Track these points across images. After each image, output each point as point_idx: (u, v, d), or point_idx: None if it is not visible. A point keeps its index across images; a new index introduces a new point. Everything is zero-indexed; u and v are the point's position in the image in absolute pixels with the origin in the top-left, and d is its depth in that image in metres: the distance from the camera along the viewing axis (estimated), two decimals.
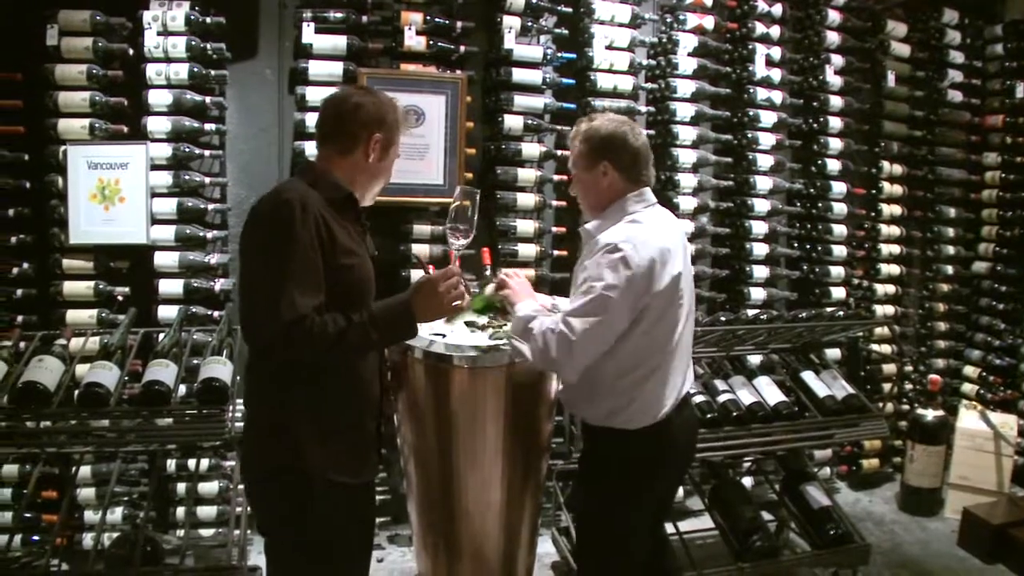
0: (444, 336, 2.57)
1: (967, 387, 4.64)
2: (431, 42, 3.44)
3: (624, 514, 2.27)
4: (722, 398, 3.19)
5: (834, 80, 4.09)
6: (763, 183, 4.03)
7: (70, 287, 3.23)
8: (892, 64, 4.28)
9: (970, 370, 4.65)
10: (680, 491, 3.87)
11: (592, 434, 2.32)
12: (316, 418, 1.87)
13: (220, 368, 2.58)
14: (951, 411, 4.32)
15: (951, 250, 4.60)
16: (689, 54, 3.83)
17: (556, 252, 3.77)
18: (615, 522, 2.28)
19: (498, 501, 2.68)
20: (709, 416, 3.08)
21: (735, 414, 3.13)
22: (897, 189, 4.36)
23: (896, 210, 4.37)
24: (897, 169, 4.35)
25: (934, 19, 4.34)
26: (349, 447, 1.95)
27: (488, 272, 2.89)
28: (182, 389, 2.69)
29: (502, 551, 2.77)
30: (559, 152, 3.70)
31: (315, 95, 3.28)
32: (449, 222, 2.24)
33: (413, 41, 3.40)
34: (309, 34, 3.27)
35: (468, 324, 2.69)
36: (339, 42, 3.30)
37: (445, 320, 2.55)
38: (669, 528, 3.49)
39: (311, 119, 3.29)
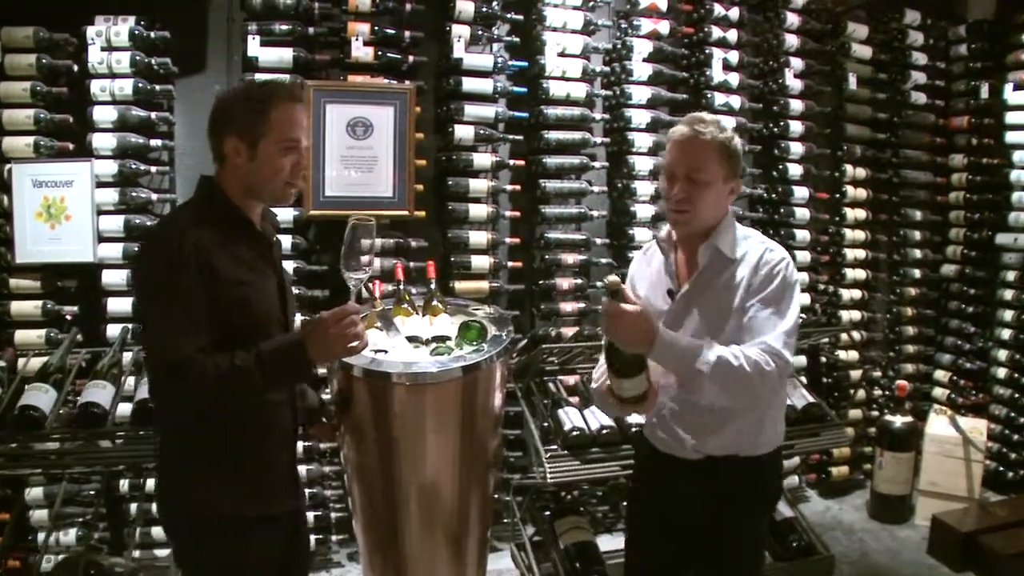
0: (386, 352, 2.54)
1: (938, 391, 4.60)
2: (379, 52, 3.41)
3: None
4: None
5: (794, 84, 4.06)
6: None
7: (17, 307, 3.19)
8: (853, 66, 4.24)
9: (940, 374, 4.61)
10: None
11: (718, 465, 2.05)
12: (214, 454, 1.80)
13: None
14: (921, 416, 4.28)
15: (918, 253, 4.56)
16: (644, 59, 3.80)
17: (511, 263, 3.74)
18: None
19: (443, 516, 2.64)
20: None
21: None
22: (861, 193, 4.32)
23: (860, 214, 4.33)
24: (861, 172, 4.31)
25: (896, 20, 4.30)
26: (253, 481, 1.85)
27: (432, 286, 2.85)
28: (127, 408, 2.67)
29: (450, 567, 2.73)
30: (512, 162, 3.68)
31: None
32: (343, 257, 1.94)
33: (360, 52, 3.37)
34: (255, 47, 3.24)
35: (410, 339, 2.66)
36: (285, 55, 3.28)
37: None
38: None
39: None
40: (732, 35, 3.93)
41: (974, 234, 4.48)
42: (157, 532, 3.30)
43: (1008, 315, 4.30)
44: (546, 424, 3.07)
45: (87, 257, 3.21)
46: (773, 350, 1.86)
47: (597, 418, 3.01)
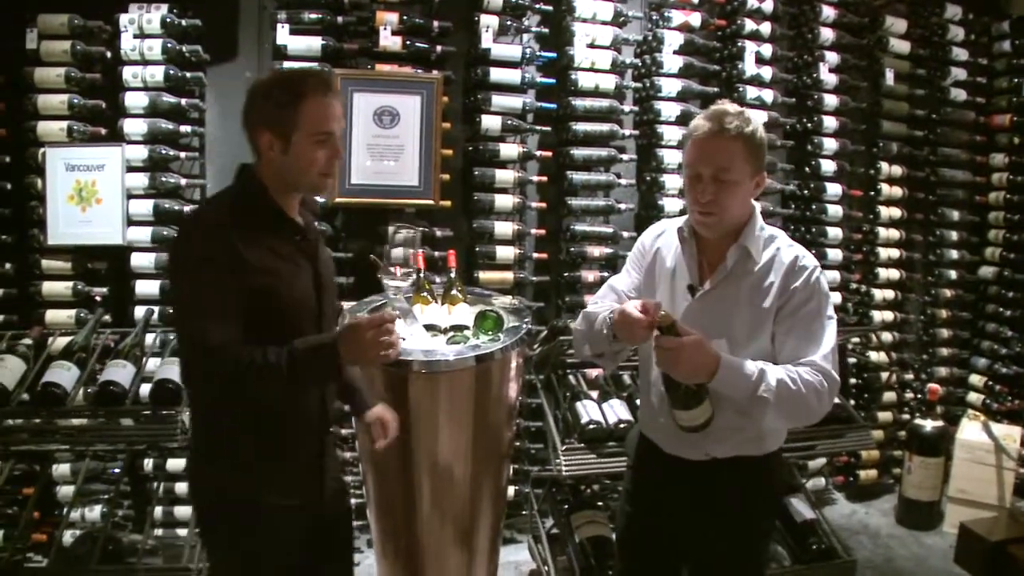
0: (403, 340, 2.54)
1: (972, 396, 4.48)
2: (407, 42, 3.41)
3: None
4: None
5: (829, 78, 3.97)
6: None
7: (49, 287, 3.27)
8: (891, 61, 4.14)
9: (976, 379, 4.49)
10: None
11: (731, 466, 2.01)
12: (237, 439, 1.82)
13: (175, 370, 2.58)
14: (954, 421, 4.18)
15: (955, 254, 4.43)
16: (675, 52, 3.75)
17: (536, 255, 3.72)
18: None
19: (456, 505, 2.64)
20: None
21: None
22: (896, 191, 4.22)
23: (896, 212, 4.23)
24: (897, 170, 4.21)
25: (936, 15, 4.19)
26: (272, 469, 1.86)
27: (452, 275, 2.85)
28: (146, 389, 2.72)
29: (461, 556, 2.73)
30: (539, 153, 3.66)
31: None
32: (385, 263, 1.97)
33: (388, 41, 3.38)
34: (284, 35, 3.27)
35: (428, 328, 2.66)
36: (314, 43, 3.30)
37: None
38: None
39: None
40: (766, 28, 3.86)
41: (1014, 236, 4.35)
42: (180, 511, 3.36)
43: None
44: (565, 416, 3.05)
45: (117, 240, 3.27)
46: (824, 370, 1.83)
47: (615, 412, 2.98)
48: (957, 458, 3.95)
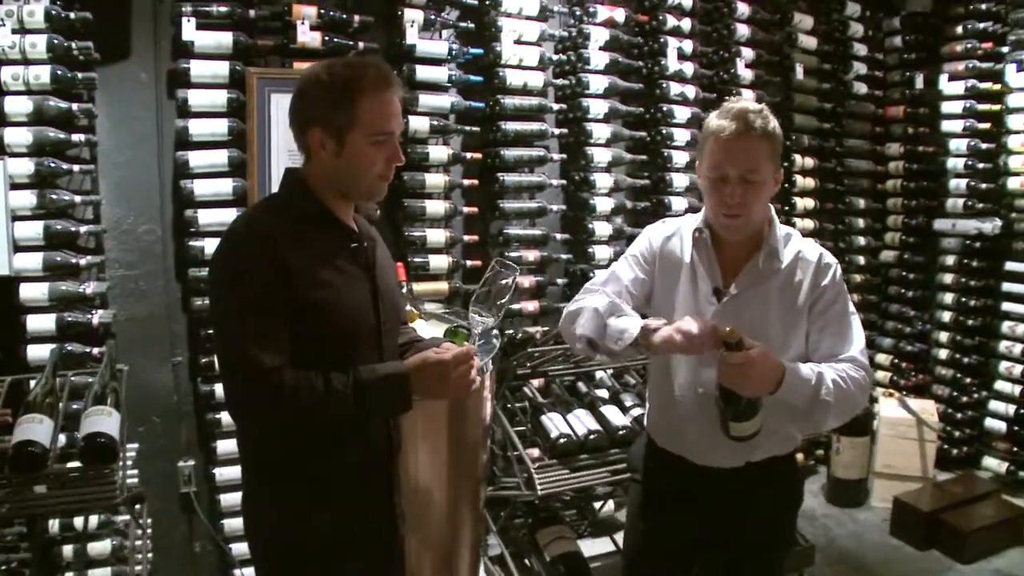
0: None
1: (880, 375, 4.70)
2: (327, 38, 3.14)
3: None
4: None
5: (745, 73, 4.03)
6: (679, 180, 3.93)
7: None
8: (800, 57, 4.26)
9: (882, 358, 4.71)
10: (611, 504, 3.74)
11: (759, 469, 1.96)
12: (293, 474, 1.61)
13: (105, 420, 2.19)
14: (870, 400, 4.35)
15: (862, 241, 4.64)
16: (600, 48, 3.68)
17: (469, 263, 3.54)
18: None
19: (435, 527, 2.47)
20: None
21: None
22: (809, 182, 4.35)
23: (809, 203, 4.36)
24: (809, 162, 4.34)
25: (837, 11, 4.35)
26: (334, 506, 1.64)
27: (404, 290, 2.64)
28: (62, 439, 2.34)
29: None
30: (469, 155, 3.48)
31: (198, 99, 2.94)
32: (479, 297, 1.69)
33: (307, 37, 3.09)
34: (190, 31, 2.91)
35: None
36: (224, 39, 2.96)
37: None
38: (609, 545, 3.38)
39: (195, 127, 2.95)
40: (686, 24, 3.86)
41: (912, 220, 4.59)
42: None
43: (948, 298, 4.43)
44: (529, 432, 2.90)
45: (2, 269, 2.81)
46: (864, 365, 1.83)
47: (583, 422, 2.87)
48: (882, 435, 4.12)
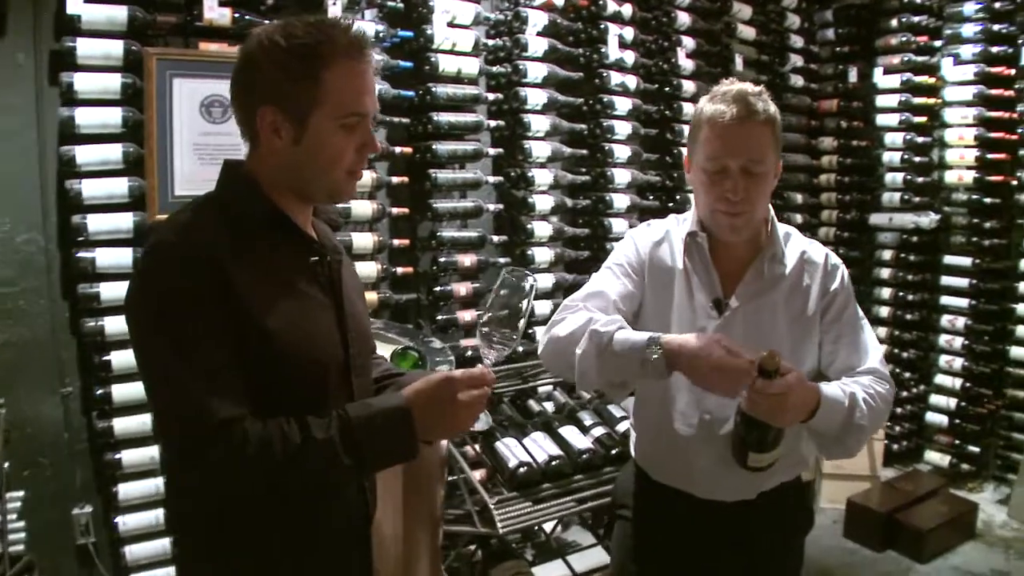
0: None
1: None
2: (237, 15, 2.74)
3: None
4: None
5: (686, 64, 3.85)
6: (621, 176, 3.71)
7: None
8: (739, 47, 4.12)
9: None
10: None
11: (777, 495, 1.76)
12: (251, 551, 1.24)
13: None
14: None
15: None
16: (538, 34, 3.41)
17: (400, 269, 3.20)
18: None
19: (388, 566, 2.14)
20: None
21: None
22: None
23: None
24: None
25: (773, 1, 4.24)
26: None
27: None
28: None
29: None
30: (399, 149, 3.14)
31: (87, 84, 2.49)
32: (483, 325, 1.37)
33: (215, 14, 2.68)
34: (76, 4, 2.46)
35: None
36: (117, 13, 2.51)
37: None
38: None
39: (83, 117, 2.50)
40: (627, 9, 3.64)
41: (845, 215, 4.54)
42: None
43: (886, 293, 4.40)
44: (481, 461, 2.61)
45: None
46: (886, 376, 1.68)
47: (541, 447, 2.60)
48: None
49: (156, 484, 2.62)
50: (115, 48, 2.53)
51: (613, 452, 2.66)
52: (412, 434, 1.19)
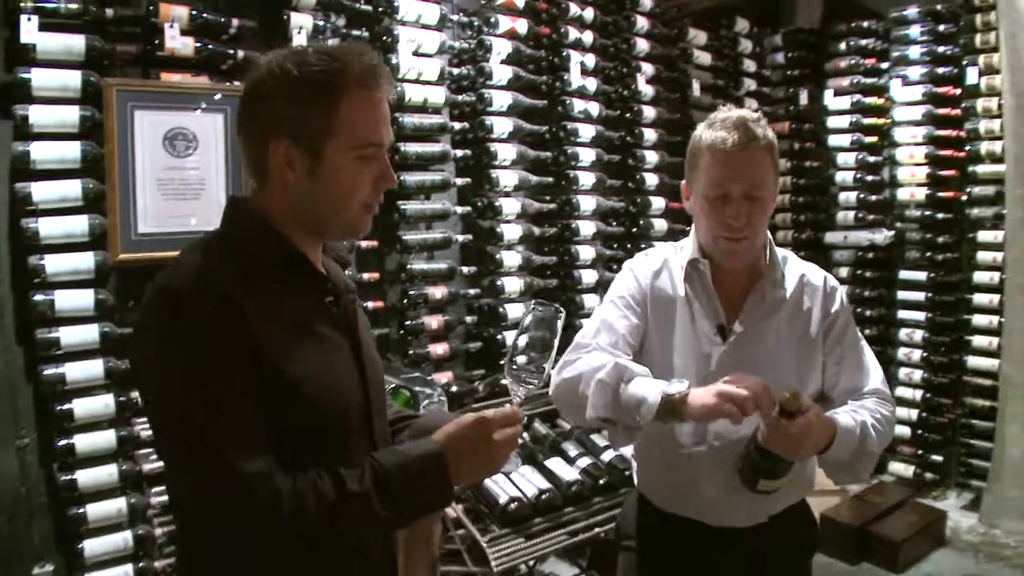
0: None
1: None
2: (199, 44, 2.66)
3: None
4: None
5: (646, 89, 3.89)
6: (587, 203, 3.71)
7: None
8: (696, 72, 4.19)
9: None
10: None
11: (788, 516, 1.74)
12: None
13: None
14: None
15: None
16: (502, 61, 3.40)
17: (371, 304, 3.10)
18: None
19: None
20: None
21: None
22: None
23: None
24: None
25: (726, 28, 4.33)
26: None
27: None
28: None
29: None
30: None
31: (43, 117, 2.36)
32: (511, 360, 1.31)
33: (177, 43, 2.60)
34: (32, 31, 2.34)
35: None
36: (75, 43, 2.40)
37: None
38: None
39: (39, 151, 2.38)
40: (588, 37, 3.67)
41: (800, 235, 4.63)
42: None
43: None
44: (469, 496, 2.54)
45: None
46: (888, 396, 1.70)
47: (530, 481, 2.54)
48: None
49: (124, 537, 2.48)
50: (72, 79, 2.42)
51: (601, 482, 2.62)
52: (447, 480, 1.15)
